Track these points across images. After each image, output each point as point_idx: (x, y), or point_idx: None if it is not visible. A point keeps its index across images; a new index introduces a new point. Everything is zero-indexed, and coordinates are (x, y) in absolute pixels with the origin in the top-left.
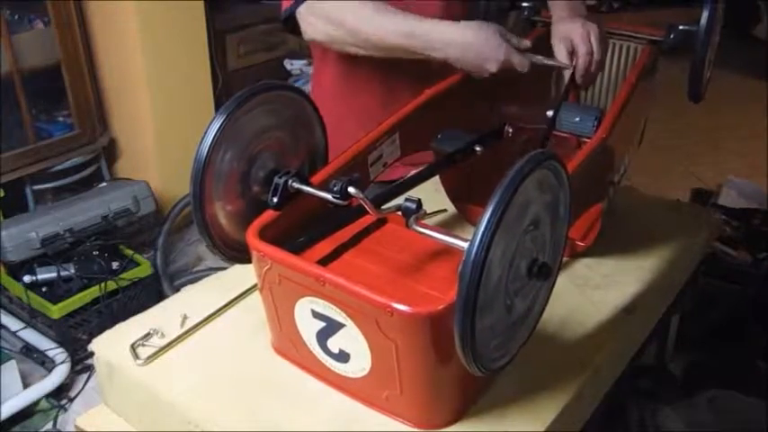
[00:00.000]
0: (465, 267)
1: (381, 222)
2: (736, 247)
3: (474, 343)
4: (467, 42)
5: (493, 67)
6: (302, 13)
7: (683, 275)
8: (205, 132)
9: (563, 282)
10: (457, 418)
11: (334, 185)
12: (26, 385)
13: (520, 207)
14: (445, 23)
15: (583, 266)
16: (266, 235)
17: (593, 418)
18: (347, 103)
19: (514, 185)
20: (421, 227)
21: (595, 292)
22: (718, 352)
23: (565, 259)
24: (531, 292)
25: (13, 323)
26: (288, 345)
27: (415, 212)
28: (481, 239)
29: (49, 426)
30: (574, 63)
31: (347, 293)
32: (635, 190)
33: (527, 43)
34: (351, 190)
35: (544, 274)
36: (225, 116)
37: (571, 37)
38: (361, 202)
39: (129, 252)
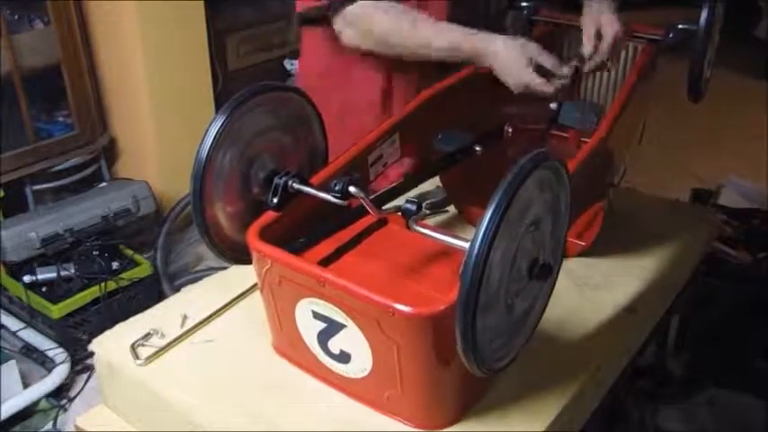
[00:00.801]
0: (466, 267)
1: (382, 223)
2: (736, 247)
3: (475, 343)
4: (497, 59)
5: (514, 89)
6: (339, 24)
7: (683, 275)
8: (205, 133)
9: (563, 281)
10: (458, 418)
11: (335, 185)
12: (26, 385)
13: (521, 207)
14: (486, 37)
15: (583, 266)
16: (266, 236)
17: (593, 418)
18: (341, 95)
19: (516, 185)
20: (421, 227)
21: (595, 292)
22: (718, 352)
23: (565, 259)
24: (532, 293)
25: (13, 323)
26: (288, 345)
27: (415, 213)
28: (482, 239)
29: (49, 426)
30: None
31: (348, 294)
32: (635, 190)
33: (565, 71)
34: (352, 189)
35: (545, 274)
36: (225, 117)
37: (601, 21)
38: (362, 201)
39: (129, 252)
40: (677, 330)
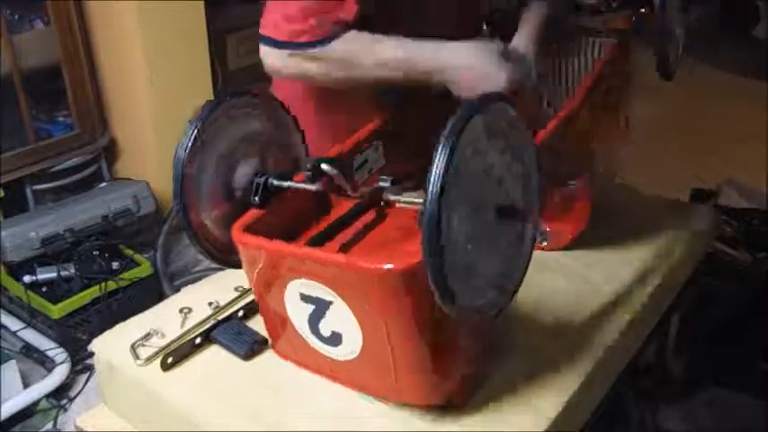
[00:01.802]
0: (422, 214)
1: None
2: (736, 247)
3: (445, 280)
4: (467, 65)
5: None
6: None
7: (683, 275)
8: (177, 147)
9: (562, 280)
10: (454, 392)
11: (307, 164)
12: (26, 385)
13: (469, 152)
14: (442, 45)
15: (582, 265)
16: (252, 233)
17: (593, 417)
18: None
19: (459, 129)
20: (392, 195)
21: (595, 291)
22: (718, 351)
23: (564, 257)
24: (506, 234)
25: (13, 323)
26: (284, 342)
27: (389, 189)
28: (433, 184)
29: (49, 426)
30: None
31: (327, 264)
32: (634, 190)
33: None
34: (324, 167)
35: (511, 215)
36: (195, 127)
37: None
38: (336, 180)
39: (129, 252)
40: (677, 330)
